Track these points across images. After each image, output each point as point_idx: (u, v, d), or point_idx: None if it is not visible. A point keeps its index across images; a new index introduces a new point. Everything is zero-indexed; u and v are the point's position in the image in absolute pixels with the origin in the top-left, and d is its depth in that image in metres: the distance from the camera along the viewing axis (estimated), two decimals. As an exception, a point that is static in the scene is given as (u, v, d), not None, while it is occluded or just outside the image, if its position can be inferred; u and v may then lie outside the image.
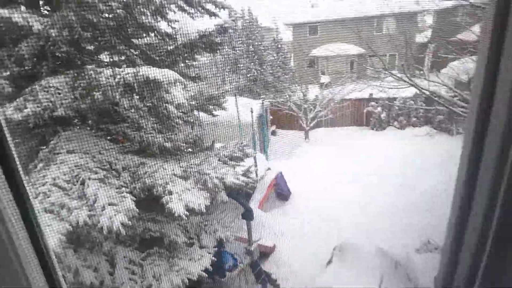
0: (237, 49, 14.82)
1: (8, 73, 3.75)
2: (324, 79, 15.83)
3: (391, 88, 7.94)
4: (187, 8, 5.05)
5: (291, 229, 8.46)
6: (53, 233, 2.79)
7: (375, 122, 14.16)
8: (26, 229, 0.85)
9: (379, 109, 13.88)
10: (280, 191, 9.87)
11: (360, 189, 9.66)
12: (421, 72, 8.81)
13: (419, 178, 9.58)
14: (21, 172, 0.84)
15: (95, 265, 3.70)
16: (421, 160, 10.28)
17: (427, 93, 7.34)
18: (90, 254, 3.73)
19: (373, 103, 14.05)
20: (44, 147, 3.83)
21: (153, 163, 4.27)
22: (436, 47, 11.39)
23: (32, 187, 3.04)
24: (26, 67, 3.94)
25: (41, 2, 4.34)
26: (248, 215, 6.42)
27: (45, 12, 4.28)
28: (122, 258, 4.02)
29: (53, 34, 3.45)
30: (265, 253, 7.68)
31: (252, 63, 14.80)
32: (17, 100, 3.18)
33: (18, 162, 0.83)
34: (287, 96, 13.97)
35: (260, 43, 15.27)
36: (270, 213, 9.11)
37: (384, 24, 12.82)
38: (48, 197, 2.94)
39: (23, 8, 4.02)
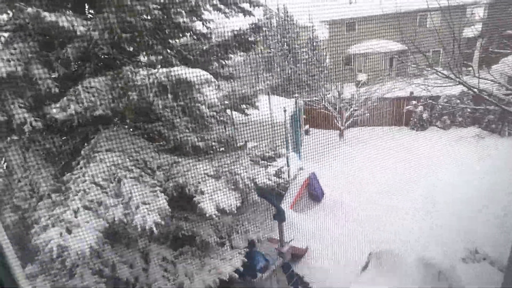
0: (271, 47, 14.71)
1: (55, 74, 3.96)
2: (361, 77, 15.23)
3: (436, 86, 7.37)
4: (222, 7, 5.04)
5: (324, 231, 8.23)
6: (91, 230, 2.90)
7: (416, 122, 13.35)
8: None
9: (420, 108, 13.05)
10: (313, 192, 9.65)
11: (398, 193, 9.15)
12: (469, 68, 8.11)
13: (465, 182, 8.86)
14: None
15: (131, 261, 3.82)
16: (469, 163, 9.51)
17: (476, 91, 6.73)
18: (126, 250, 3.86)
19: (413, 102, 13.25)
20: (86, 145, 4.02)
21: (186, 162, 4.31)
22: (487, 41, 10.46)
23: (74, 184, 3.19)
24: (71, 69, 4.16)
25: (86, 6, 4.56)
26: (280, 216, 6.32)
27: (89, 15, 4.49)
28: (156, 255, 4.12)
29: (95, 37, 3.58)
30: (297, 255, 7.54)
31: (287, 62, 14.62)
32: (62, 100, 3.35)
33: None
34: (322, 94, 13.61)
35: (295, 41, 15.03)
36: (303, 214, 8.94)
37: (428, 19, 11.99)
38: (87, 194, 3.06)
39: (69, 12, 4.24)
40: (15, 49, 3.33)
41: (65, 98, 3.36)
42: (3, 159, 3.50)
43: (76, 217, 2.89)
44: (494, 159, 9.50)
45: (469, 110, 11.58)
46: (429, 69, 7.26)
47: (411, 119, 13.55)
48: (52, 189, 3.38)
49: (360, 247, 7.80)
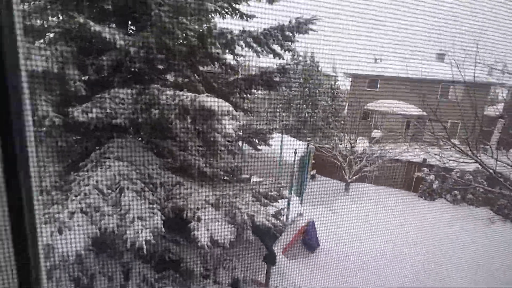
0: (293, 89, 15.12)
1: (86, 78, 4.16)
2: (376, 134, 15.32)
3: (450, 160, 7.32)
4: (254, 45, 5.30)
5: (312, 284, 7.87)
6: (82, 234, 2.87)
7: (425, 190, 13.11)
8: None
9: (431, 177, 12.88)
10: (309, 241, 9.37)
11: (397, 261, 8.78)
12: (486, 147, 8.09)
13: (466, 264, 8.48)
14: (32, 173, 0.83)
15: (110, 275, 3.71)
16: (475, 246, 9.13)
17: (492, 172, 6.64)
18: (109, 262, 3.76)
19: (425, 169, 13.12)
20: (98, 149, 4.10)
21: (189, 185, 4.31)
22: (508, 123, 10.52)
23: (77, 185, 3.22)
24: (102, 76, 4.36)
25: (129, 22, 4.88)
26: (270, 259, 6.12)
27: (131, 31, 4.78)
28: (137, 273, 3.99)
29: (132, 51, 3.79)
30: (280, 304, 7.17)
31: (305, 105, 14.93)
32: (86, 104, 3.48)
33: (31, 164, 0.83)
34: (334, 143, 13.68)
35: (316, 87, 15.46)
36: (294, 261, 8.61)
37: (451, 90, 12.22)
38: (87, 198, 3.07)
39: (113, 25, 4.54)
40: (56, 49, 3.54)
41: (90, 102, 3.50)
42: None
43: (71, 218, 2.88)
44: (503, 249, 9.09)
45: (482, 189, 11.34)
46: (446, 141, 7.27)
47: (421, 186, 13.33)
48: (54, 186, 3.40)
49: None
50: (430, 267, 8.59)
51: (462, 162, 7.02)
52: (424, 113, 11.90)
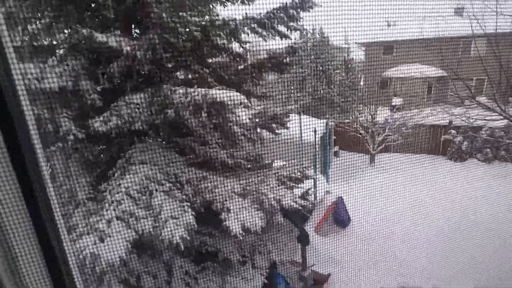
0: (305, 68, 14.79)
1: (100, 88, 4.25)
2: (396, 101, 14.80)
3: (478, 119, 6.97)
4: (259, 30, 5.19)
5: (347, 258, 7.91)
6: (122, 240, 3.01)
7: (454, 152, 12.62)
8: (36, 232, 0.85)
9: (459, 138, 12.35)
10: (339, 217, 9.35)
11: (429, 226, 8.63)
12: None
13: (504, 223, 8.19)
14: (45, 176, 0.85)
15: (155, 273, 3.90)
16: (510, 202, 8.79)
17: (524, 126, 6.30)
18: (151, 262, 3.94)
19: (452, 131, 12.59)
20: (122, 155, 4.23)
21: (214, 178, 4.39)
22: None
23: (109, 195, 3.35)
24: (114, 84, 4.45)
25: (132, 26, 4.90)
26: (303, 239, 6.17)
27: (135, 34, 4.81)
28: (179, 268, 4.17)
29: (139, 55, 3.83)
30: (319, 280, 7.27)
31: (319, 82, 14.60)
32: (105, 114, 3.58)
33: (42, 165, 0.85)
34: (354, 117, 13.36)
35: (329, 62, 15.03)
36: (327, 238, 8.66)
37: (472, 46, 11.46)
38: (120, 205, 3.20)
39: (117, 31, 4.58)
40: (67, 65, 3.63)
41: (108, 112, 3.58)
42: (49, 165, 3.77)
43: (109, 226, 3.03)
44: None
45: (514, 145, 10.79)
46: (471, 99, 6.90)
47: (449, 148, 12.85)
48: (88, 197, 3.57)
49: (386, 279, 7.40)
50: (464, 227, 8.38)
51: (490, 119, 6.66)
52: (445, 74, 11.31)
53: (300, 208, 4.79)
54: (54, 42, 4.23)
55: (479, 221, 8.52)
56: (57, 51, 4.15)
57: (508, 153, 11.38)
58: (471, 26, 5.94)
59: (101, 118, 3.47)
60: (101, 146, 4.47)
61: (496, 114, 6.25)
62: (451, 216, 8.88)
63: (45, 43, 4.09)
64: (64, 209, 3.47)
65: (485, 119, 6.73)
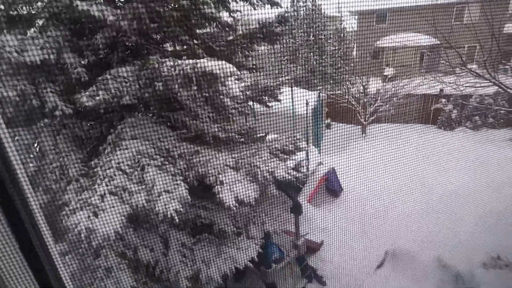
0: (297, 38, 14.43)
1: (85, 62, 4.09)
2: (388, 71, 14.69)
3: (468, 87, 7.00)
4: (248, -3, 4.99)
5: (340, 227, 8.19)
6: (116, 214, 3.03)
7: (444, 121, 12.80)
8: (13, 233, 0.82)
9: (450, 106, 12.49)
10: (331, 187, 9.57)
11: (421, 193, 8.91)
12: (506, 67, 7.64)
13: (492, 188, 8.49)
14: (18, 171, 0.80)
15: (152, 246, 3.97)
16: (498, 168, 9.07)
17: (511, 91, 6.34)
18: (147, 235, 4.01)
19: (443, 100, 12.68)
20: (113, 131, 4.16)
21: (206, 152, 4.38)
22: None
23: (101, 170, 3.33)
24: (100, 57, 4.28)
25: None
26: (296, 210, 6.34)
27: (119, 3, 4.56)
28: (175, 240, 4.25)
29: (124, 26, 3.65)
30: (312, 248, 7.57)
31: (312, 53, 14.32)
32: (91, 88, 3.46)
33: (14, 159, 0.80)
34: (346, 88, 13.29)
35: (321, 32, 14.66)
36: (320, 208, 8.90)
37: (465, 12, 11.24)
38: (113, 180, 3.19)
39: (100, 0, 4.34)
40: (48, 36, 3.45)
41: (94, 86, 3.47)
42: (36, 142, 3.69)
43: (102, 201, 3.03)
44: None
45: (502, 111, 10.96)
46: (462, 67, 6.89)
47: (439, 117, 13.01)
48: (81, 173, 3.54)
49: (377, 244, 7.72)
50: (453, 194, 8.69)
51: (479, 86, 6.70)
52: (438, 42, 11.19)
53: (293, 179, 4.86)
54: (33, 12, 4.00)
55: (467, 187, 8.82)
56: (36, 21, 3.92)
57: (496, 120, 11.61)
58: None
59: (87, 93, 3.36)
60: (90, 122, 4.38)
61: (486, 81, 6.28)
62: (440, 184, 9.16)
63: (23, 12, 3.85)
64: (56, 186, 3.45)
65: (475, 86, 6.76)
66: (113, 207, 3.04)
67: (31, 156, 3.73)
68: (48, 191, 3.50)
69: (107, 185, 3.13)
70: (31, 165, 3.69)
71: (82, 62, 4.06)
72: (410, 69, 13.30)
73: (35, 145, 3.68)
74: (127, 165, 3.37)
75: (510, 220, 7.35)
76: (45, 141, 3.62)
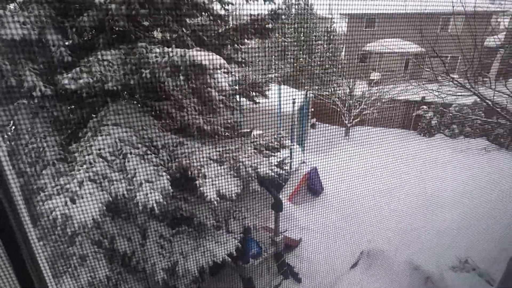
0: (287, 36, 14.45)
1: (69, 42, 3.93)
2: (375, 76, 14.98)
3: (449, 95, 7.26)
4: (242, -11, 4.93)
5: (318, 225, 8.33)
6: (94, 201, 2.95)
7: (424, 127, 13.22)
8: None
9: (430, 113, 12.90)
10: (312, 186, 9.70)
11: (397, 198, 9.18)
12: (486, 79, 7.94)
13: (466, 193, 8.86)
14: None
15: (129, 236, 3.89)
16: (471, 174, 9.47)
17: (490, 103, 6.61)
18: (125, 224, 3.92)
19: (424, 106, 13.08)
20: (94, 116, 4.03)
21: (190, 144, 4.32)
22: (509, 53, 10.20)
23: (80, 155, 3.22)
24: (84, 38, 4.12)
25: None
26: (277, 206, 6.38)
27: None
28: (154, 232, 4.19)
29: (113, 9, 3.53)
30: (290, 246, 7.66)
31: (301, 52, 14.38)
32: (74, 70, 3.34)
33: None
34: (333, 89, 13.46)
35: (312, 31, 14.74)
36: (300, 206, 9.01)
37: (451, 23, 11.60)
38: (92, 167, 3.09)
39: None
40: (30, 12, 3.29)
41: (77, 68, 3.35)
42: (12, 122, 3.53)
43: (80, 188, 2.93)
44: (498, 174, 9.45)
45: (479, 121, 11.43)
46: (444, 76, 7.12)
47: (420, 124, 13.42)
48: (58, 157, 3.41)
49: (353, 244, 7.91)
50: (429, 199, 9.00)
51: (460, 95, 6.96)
52: (423, 50, 11.50)
53: (276, 176, 4.88)
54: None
55: (442, 192, 9.15)
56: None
57: (473, 129, 12.10)
58: (452, 3, 5.98)
59: (70, 75, 3.23)
60: (71, 106, 4.22)
61: (466, 90, 6.52)
62: (417, 189, 9.46)
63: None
64: (31, 169, 3.31)
65: (455, 95, 7.01)
66: (92, 194, 2.95)
67: (5, 136, 3.56)
68: (22, 174, 3.36)
69: (86, 172, 3.04)
70: (3, 145, 3.52)
71: (66, 43, 3.90)
72: (395, 75, 13.62)
73: (11, 125, 3.52)
74: (109, 152, 3.28)
75: (479, 226, 7.69)
76: (22, 120, 3.46)
